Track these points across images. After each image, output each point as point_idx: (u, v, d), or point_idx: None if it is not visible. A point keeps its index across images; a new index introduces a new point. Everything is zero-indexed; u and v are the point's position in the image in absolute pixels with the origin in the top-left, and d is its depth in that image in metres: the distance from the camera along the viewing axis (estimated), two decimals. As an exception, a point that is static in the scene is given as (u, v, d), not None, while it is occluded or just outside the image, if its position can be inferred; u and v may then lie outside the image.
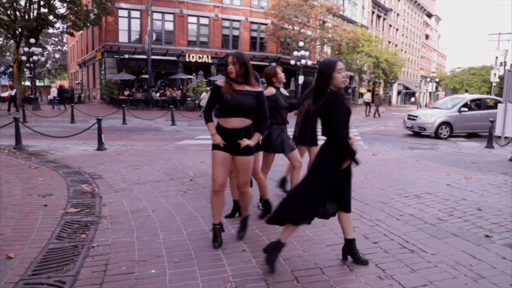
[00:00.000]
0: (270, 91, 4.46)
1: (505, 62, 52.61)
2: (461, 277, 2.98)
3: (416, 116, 14.39)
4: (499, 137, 10.76)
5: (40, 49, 25.78)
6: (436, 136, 13.56)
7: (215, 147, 3.39)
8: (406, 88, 67.93)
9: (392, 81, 53.51)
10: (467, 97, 15.38)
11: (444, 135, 13.60)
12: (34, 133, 9.99)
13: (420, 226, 4.13)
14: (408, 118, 14.62)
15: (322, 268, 3.10)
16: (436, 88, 66.55)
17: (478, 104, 14.69)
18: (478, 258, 3.35)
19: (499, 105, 11.35)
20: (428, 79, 57.31)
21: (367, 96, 29.37)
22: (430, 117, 13.89)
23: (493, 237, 3.87)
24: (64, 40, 53.85)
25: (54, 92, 27.72)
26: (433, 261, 3.26)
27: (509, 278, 2.97)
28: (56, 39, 53.60)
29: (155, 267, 3.09)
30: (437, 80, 54.25)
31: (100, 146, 9.11)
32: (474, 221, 4.36)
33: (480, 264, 3.22)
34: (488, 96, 18.52)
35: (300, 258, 3.28)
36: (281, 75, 4.52)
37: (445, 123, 13.66)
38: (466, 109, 13.91)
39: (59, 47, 56.19)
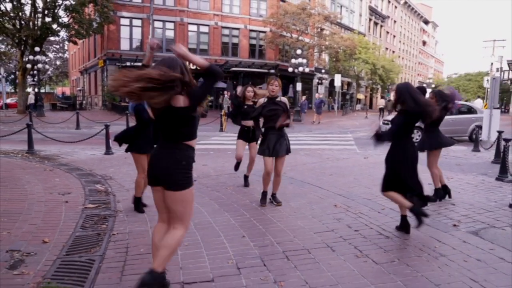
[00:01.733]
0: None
1: (501, 68, 53.42)
2: (425, 255, 3.57)
3: (390, 121, 14.86)
4: (485, 141, 11.35)
5: (44, 58, 26.45)
6: None
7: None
8: (404, 93, 68.64)
9: (390, 87, 54.19)
10: None
11: (416, 139, 13.97)
12: (43, 139, 10.56)
13: (398, 218, 4.66)
14: (383, 123, 15.17)
15: (309, 249, 3.67)
16: (434, 93, 67.22)
17: None
18: (443, 241, 3.93)
19: (484, 111, 11.98)
20: (425, 85, 58.08)
21: (381, 103, 30.53)
22: None
23: (460, 226, 4.45)
24: (65, 47, 54.63)
25: (31, 99, 28.55)
26: (404, 244, 3.85)
27: (465, 256, 3.55)
28: (57, 46, 54.42)
29: (168, 249, 3.65)
30: (432, 86, 54.95)
31: (108, 151, 9.69)
32: (446, 213, 4.95)
33: (443, 246, 3.80)
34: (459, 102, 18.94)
35: (291, 242, 3.86)
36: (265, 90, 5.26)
37: (416, 128, 14.01)
38: None
39: (60, 54, 57.00)
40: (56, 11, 25.80)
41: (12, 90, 50.21)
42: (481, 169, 8.48)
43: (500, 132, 9.29)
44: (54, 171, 7.35)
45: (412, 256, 3.56)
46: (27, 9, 25.71)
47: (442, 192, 5.65)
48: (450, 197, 5.69)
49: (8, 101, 38.61)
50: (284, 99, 5.28)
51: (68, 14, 26.83)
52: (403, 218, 4.21)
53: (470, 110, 14.84)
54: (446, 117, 15.58)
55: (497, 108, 11.46)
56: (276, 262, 3.37)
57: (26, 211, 4.66)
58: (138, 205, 4.88)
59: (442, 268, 3.30)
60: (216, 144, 12.55)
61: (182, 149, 2.70)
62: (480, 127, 13.64)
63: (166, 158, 2.68)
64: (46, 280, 2.97)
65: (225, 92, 27.76)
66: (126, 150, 4.91)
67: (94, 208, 5.01)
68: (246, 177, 6.43)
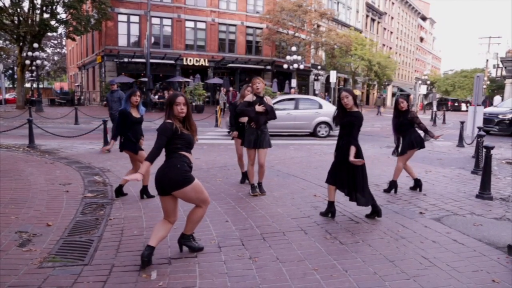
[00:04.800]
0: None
1: (497, 65, 53.79)
2: (387, 238, 4.01)
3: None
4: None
5: (43, 54, 26.73)
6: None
7: None
8: (401, 90, 69.04)
9: (386, 83, 54.59)
10: (294, 96, 15.95)
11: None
12: (42, 133, 10.96)
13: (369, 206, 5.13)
14: None
15: (285, 232, 4.12)
16: (431, 90, 67.70)
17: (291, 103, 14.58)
18: (406, 226, 4.38)
19: (469, 107, 12.41)
20: (420, 82, 58.64)
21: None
22: None
23: (425, 213, 4.90)
24: (63, 43, 54.86)
25: None
26: (370, 228, 4.30)
27: (422, 238, 4.00)
28: (55, 42, 54.65)
29: (159, 232, 4.09)
30: (428, 82, 55.40)
31: (106, 145, 10.10)
32: (416, 202, 5.40)
33: (405, 230, 4.25)
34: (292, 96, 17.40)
35: (269, 226, 4.30)
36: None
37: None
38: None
39: (58, 49, 57.23)
40: (54, 7, 26.10)
41: (11, 86, 50.54)
42: (460, 163, 8.94)
43: (480, 128, 9.72)
44: (54, 164, 7.77)
45: (375, 238, 4.01)
46: (25, 5, 26.01)
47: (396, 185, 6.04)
48: (420, 190, 6.11)
49: (7, 96, 39.00)
50: (269, 99, 5.72)
51: (66, 10, 27.10)
52: (373, 206, 4.65)
53: (318, 106, 14.48)
54: (291, 112, 15.45)
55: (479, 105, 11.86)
56: (254, 242, 3.82)
57: (31, 199, 5.09)
58: (146, 192, 5.43)
59: (399, 248, 3.75)
60: (210, 139, 12.96)
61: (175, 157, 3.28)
62: (325, 123, 13.91)
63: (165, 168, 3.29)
64: (51, 255, 3.41)
65: (222, 88, 28.13)
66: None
67: (93, 197, 5.44)
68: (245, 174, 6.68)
